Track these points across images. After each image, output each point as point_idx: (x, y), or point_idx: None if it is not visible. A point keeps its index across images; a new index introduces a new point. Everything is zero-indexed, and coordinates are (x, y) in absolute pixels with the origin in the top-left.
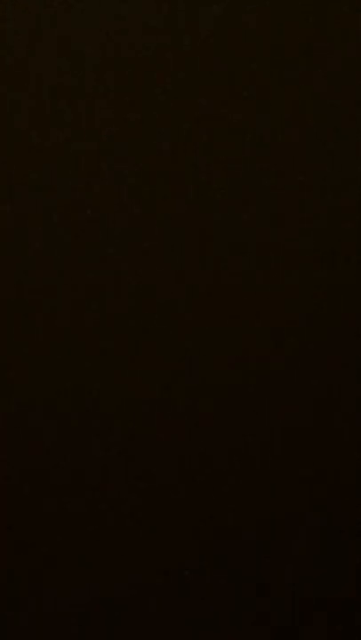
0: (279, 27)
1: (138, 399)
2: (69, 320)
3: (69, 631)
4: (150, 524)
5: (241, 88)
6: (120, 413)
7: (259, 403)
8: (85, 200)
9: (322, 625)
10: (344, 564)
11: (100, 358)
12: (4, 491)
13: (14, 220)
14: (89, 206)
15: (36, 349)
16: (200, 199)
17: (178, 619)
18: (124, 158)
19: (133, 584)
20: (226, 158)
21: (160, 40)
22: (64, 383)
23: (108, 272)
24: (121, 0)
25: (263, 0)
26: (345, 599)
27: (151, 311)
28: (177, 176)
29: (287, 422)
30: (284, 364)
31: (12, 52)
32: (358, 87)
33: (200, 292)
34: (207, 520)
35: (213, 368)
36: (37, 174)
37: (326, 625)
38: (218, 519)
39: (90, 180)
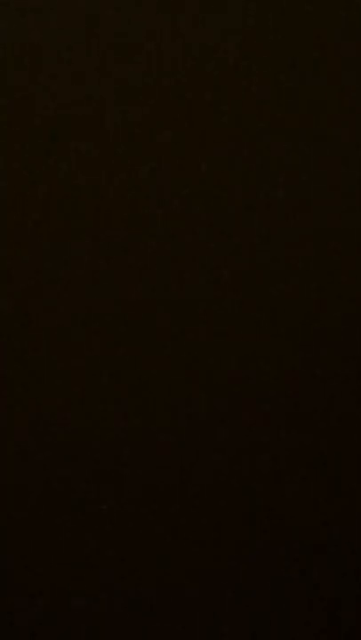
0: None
1: (137, 402)
2: (70, 326)
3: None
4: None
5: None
6: (119, 416)
7: (259, 405)
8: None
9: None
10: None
11: (100, 362)
12: (5, 490)
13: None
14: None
15: (36, 354)
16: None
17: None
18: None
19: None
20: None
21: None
22: (64, 388)
23: (108, 281)
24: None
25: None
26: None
27: (151, 320)
28: (177, 182)
29: (287, 426)
30: (284, 370)
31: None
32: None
33: (200, 298)
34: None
35: (213, 374)
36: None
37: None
38: (216, 527)
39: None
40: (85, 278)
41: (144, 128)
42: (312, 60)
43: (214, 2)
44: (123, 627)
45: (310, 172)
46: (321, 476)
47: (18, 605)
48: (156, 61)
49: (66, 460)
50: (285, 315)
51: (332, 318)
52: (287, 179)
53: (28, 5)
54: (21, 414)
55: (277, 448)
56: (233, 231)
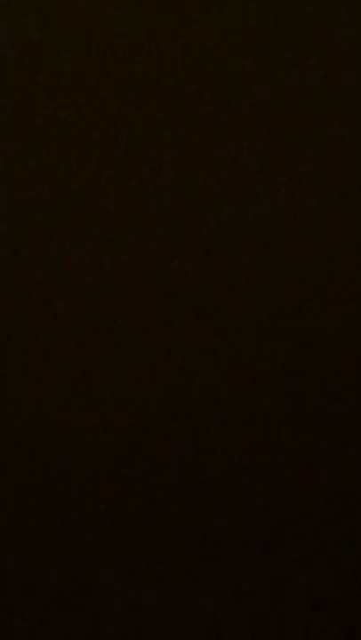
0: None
1: (137, 402)
2: (69, 329)
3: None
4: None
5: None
6: (118, 419)
7: (258, 408)
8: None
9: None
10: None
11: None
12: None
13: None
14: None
15: (36, 357)
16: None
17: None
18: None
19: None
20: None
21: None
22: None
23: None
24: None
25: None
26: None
27: (150, 321)
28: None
29: (286, 430)
30: (284, 370)
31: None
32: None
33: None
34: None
35: (212, 376)
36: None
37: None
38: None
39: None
40: (85, 278)
41: (144, 128)
42: (312, 60)
43: (214, 2)
44: (123, 627)
45: (310, 171)
46: (321, 476)
47: (18, 605)
48: (156, 61)
49: (66, 460)
50: (285, 315)
51: (332, 318)
52: (287, 179)
53: (28, 5)
54: (21, 414)
55: (277, 448)
56: (233, 231)
